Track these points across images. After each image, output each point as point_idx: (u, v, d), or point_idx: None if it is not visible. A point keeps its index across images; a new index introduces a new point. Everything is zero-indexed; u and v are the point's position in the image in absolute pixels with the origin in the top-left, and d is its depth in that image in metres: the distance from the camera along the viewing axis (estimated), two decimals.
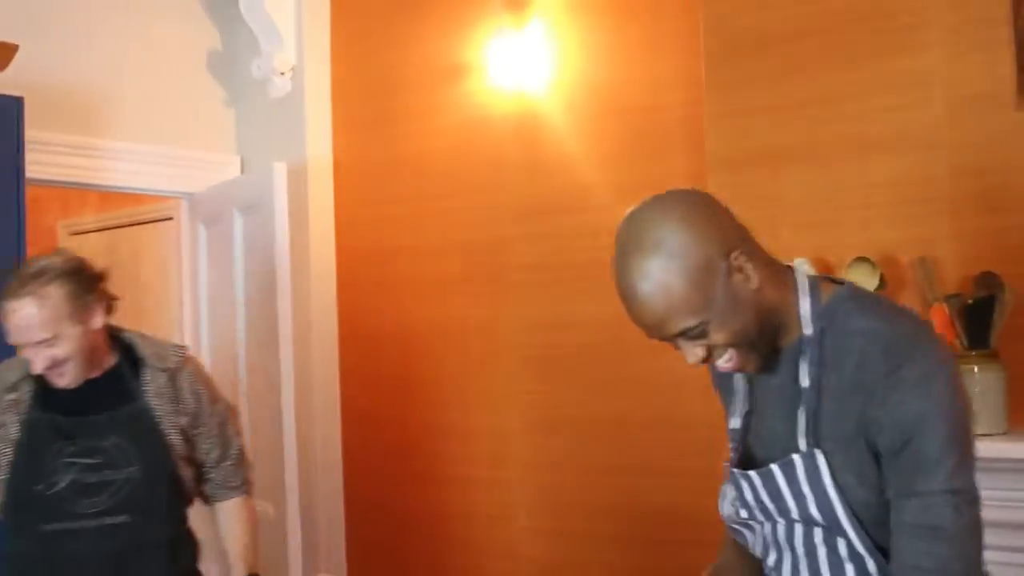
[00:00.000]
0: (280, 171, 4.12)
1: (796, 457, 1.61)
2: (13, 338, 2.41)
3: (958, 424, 1.53)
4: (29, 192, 3.82)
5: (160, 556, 2.60)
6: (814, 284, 1.67)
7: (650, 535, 3.76)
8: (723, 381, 1.84)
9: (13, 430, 2.49)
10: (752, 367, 1.65)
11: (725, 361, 1.62)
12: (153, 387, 2.59)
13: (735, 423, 1.78)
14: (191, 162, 4.69)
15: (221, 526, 2.81)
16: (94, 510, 2.47)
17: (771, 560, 1.73)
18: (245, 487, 2.85)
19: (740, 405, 1.77)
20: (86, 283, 2.48)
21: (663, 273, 1.56)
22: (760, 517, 1.71)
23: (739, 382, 1.77)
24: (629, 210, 1.66)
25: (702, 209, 1.62)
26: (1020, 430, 2.76)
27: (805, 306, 1.64)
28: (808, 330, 1.63)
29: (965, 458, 1.53)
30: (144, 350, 2.62)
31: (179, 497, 2.67)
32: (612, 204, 3.88)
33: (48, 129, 4.13)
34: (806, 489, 1.61)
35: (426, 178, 4.39)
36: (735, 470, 1.73)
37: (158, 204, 5.32)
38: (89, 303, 2.47)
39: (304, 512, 4.13)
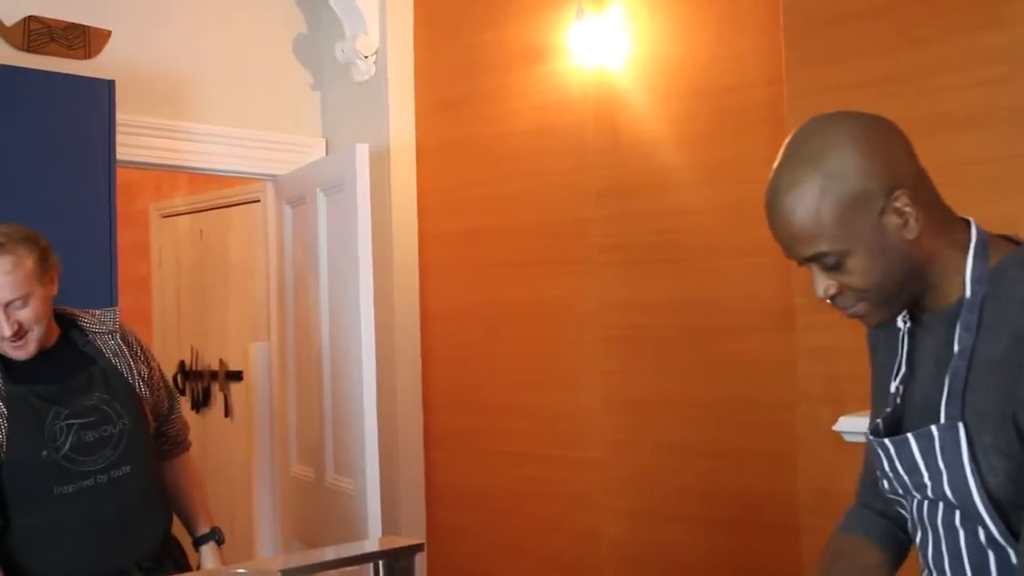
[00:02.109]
0: (362, 151, 4.16)
1: (934, 428, 1.49)
2: None
3: None
4: (123, 175, 3.94)
5: (158, 505, 2.72)
6: (985, 243, 1.53)
7: (729, 517, 3.75)
8: (884, 338, 1.70)
9: None
10: (876, 320, 1.55)
11: (851, 308, 1.52)
12: (107, 350, 2.66)
13: (893, 386, 1.64)
14: (277, 145, 4.78)
15: (175, 482, 2.89)
16: (102, 464, 2.54)
17: (918, 539, 1.61)
18: (188, 443, 2.97)
19: (898, 366, 1.64)
20: (45, 250, 2.52)
21: (811, 189, 1.46)
22: (900, 491, 1.60)
23: (900, 343, 1.63)
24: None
25: (881, 136, 1.51)
26: None
27: (970, 267, 1.51)
28: (968, 293, 1.50)
29: None
30: (85, 320, 2.69)
31: (154, 449, 2.78)
32: (692, 185, 3.87)
33: (138, 112, 4.24)
34: (942, 465, 1.48)
35: (507, 160, 4.41)
36: (871, 437, 1.62)
37: (245, 187, 5.42)
38: (49, 268, 2.52)
39: (385, 489, 4.18)
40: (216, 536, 2.88)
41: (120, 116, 3.89)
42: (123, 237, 3.94)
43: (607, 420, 4.11)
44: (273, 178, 4.86)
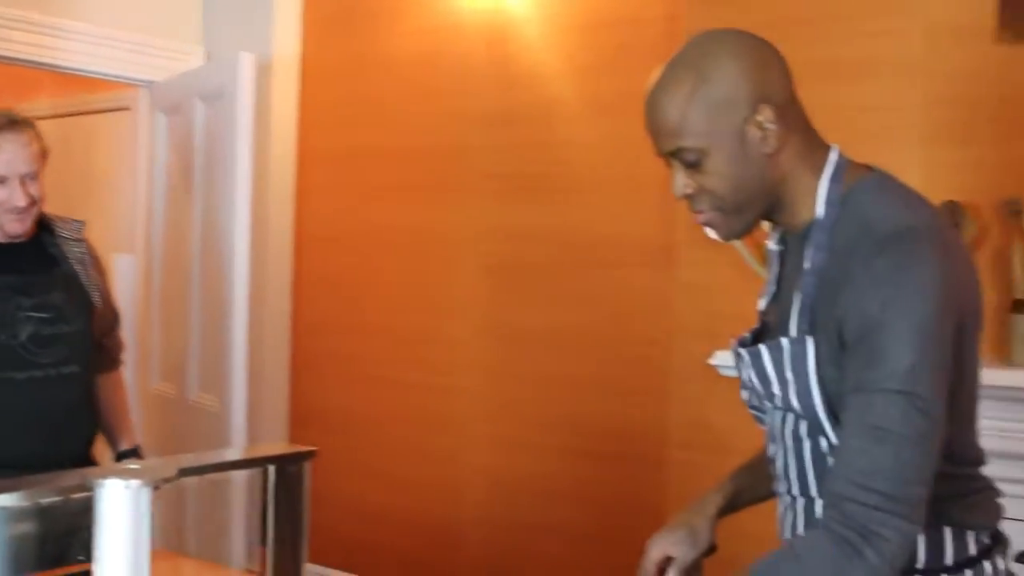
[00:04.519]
0: (247, 60, 4.04)
1: (784, 340, 1.56)
2: (2, 169, 2.58)
3: (924, 326, 1.42)
4: None
5: (92, 409, 2.83)
6: (842, 168, 1.59)
7: (600, 448, 3.80)
8: (769, 260, 1.78)
9: None
10: (726, 231, 1.62)
11: (704, 213, 1.60)
12: (72, 255, 2.80)
13: (761, 303, 1.73)
14: (154, 49, 4.58)
15: (106, 397, 2.97)
16: (53, 360, 2.66)
17: (771, 451, 1.70)
18: (122, 361, 3.09)
19: (769, 286, 1.73)
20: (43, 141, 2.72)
21: (683, 87, 1.54)
22: (755, 400, 1.68)
23: (775, 264, 1.72)
24: None
25: (759, 53, 1.58)
26: None
27: (823, 189, 1.57)
28: (820, 214, 1.56)
29: (926, 364, 1.42)
30: (57, 223, 2.82)
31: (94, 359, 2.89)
32: (581, 117, 3.87)
33: (4, 3, 4.02)
34: (789, 375, 1.55)
35: (393, 80, 4.33)
36: (736, 348, 1.69)
37: (114, 93, 5.20)
38: (46, 156, 2.69)
39: (248, 410, 4.11)
40: (137, 453, 2.99)
41: None
42: None
43: (480, 348, 4.11)
44: (148, 84, 4.67)
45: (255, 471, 2.12)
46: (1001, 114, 2.91)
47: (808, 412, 1.55)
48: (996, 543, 1.63)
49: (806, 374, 1.53)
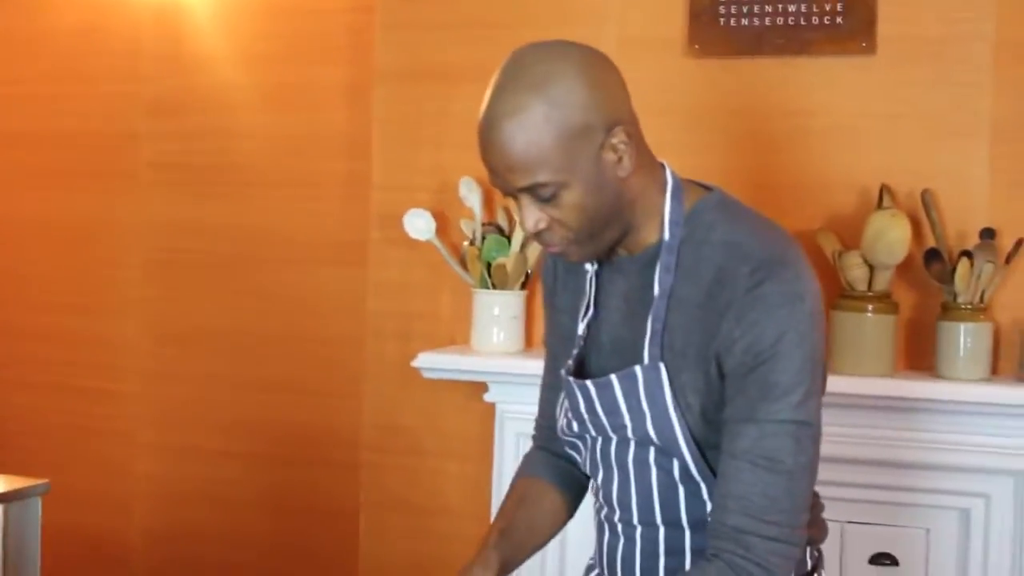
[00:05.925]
0: None
1: (638, 369, 1.49)
2: None
3: (813, 353, 1.43)
4: None
5: None
6: (680, 186, 1.54)
7: (289, 453, 3.66)
8: (566, 281, 1.69)
9: None
10: (578, 258, 1.53)
11: (556, 244, 1.50)
12: None
13: (580, 327, 1.63)
14: None
15: None
16: None
17: (600, 478, 1.62)
18: None
19: (585, 308, 1.63)
20: None
21: (534, 116, 1.40)
22: (592, 432, 1.59)
23: (588, 285, 1.63)
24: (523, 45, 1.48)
25: (603, 70, 1.46)
26: None
27: (668, 210, 1.51)
28: (667, 236, 1.50)
29: (814, 391, 1.44)
30: None
31: None
32: (257, 107, 3.70)
33: None
34: (645, 405, 1.49)
35: (46, 59, 3.93)
36: (571, 379, 1.60)
37: None
38: None
39: None
40: None
41: None
42: None
43: (148, 350, 3.85)
44: None
45: None
46: (691, 126, 3.02)
47: (666, 441, 1.50)
48: (820, 556, 1.66)
49: (664, 403, 1.48)
